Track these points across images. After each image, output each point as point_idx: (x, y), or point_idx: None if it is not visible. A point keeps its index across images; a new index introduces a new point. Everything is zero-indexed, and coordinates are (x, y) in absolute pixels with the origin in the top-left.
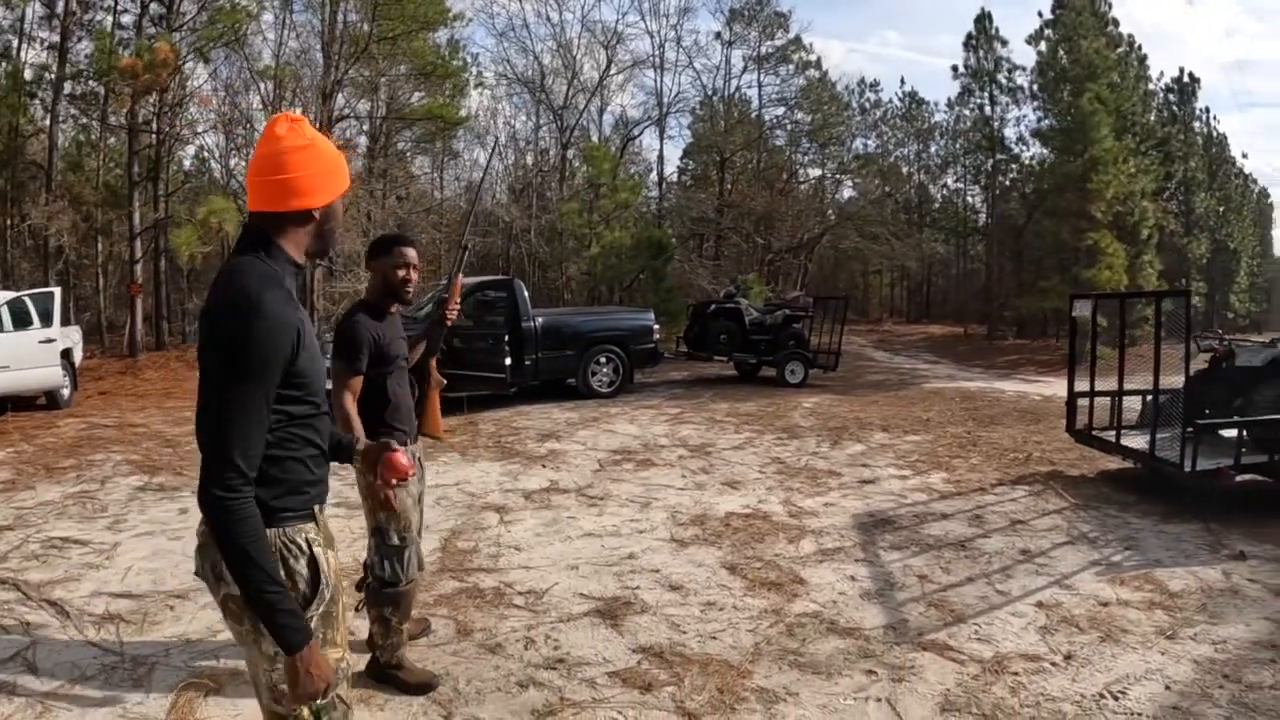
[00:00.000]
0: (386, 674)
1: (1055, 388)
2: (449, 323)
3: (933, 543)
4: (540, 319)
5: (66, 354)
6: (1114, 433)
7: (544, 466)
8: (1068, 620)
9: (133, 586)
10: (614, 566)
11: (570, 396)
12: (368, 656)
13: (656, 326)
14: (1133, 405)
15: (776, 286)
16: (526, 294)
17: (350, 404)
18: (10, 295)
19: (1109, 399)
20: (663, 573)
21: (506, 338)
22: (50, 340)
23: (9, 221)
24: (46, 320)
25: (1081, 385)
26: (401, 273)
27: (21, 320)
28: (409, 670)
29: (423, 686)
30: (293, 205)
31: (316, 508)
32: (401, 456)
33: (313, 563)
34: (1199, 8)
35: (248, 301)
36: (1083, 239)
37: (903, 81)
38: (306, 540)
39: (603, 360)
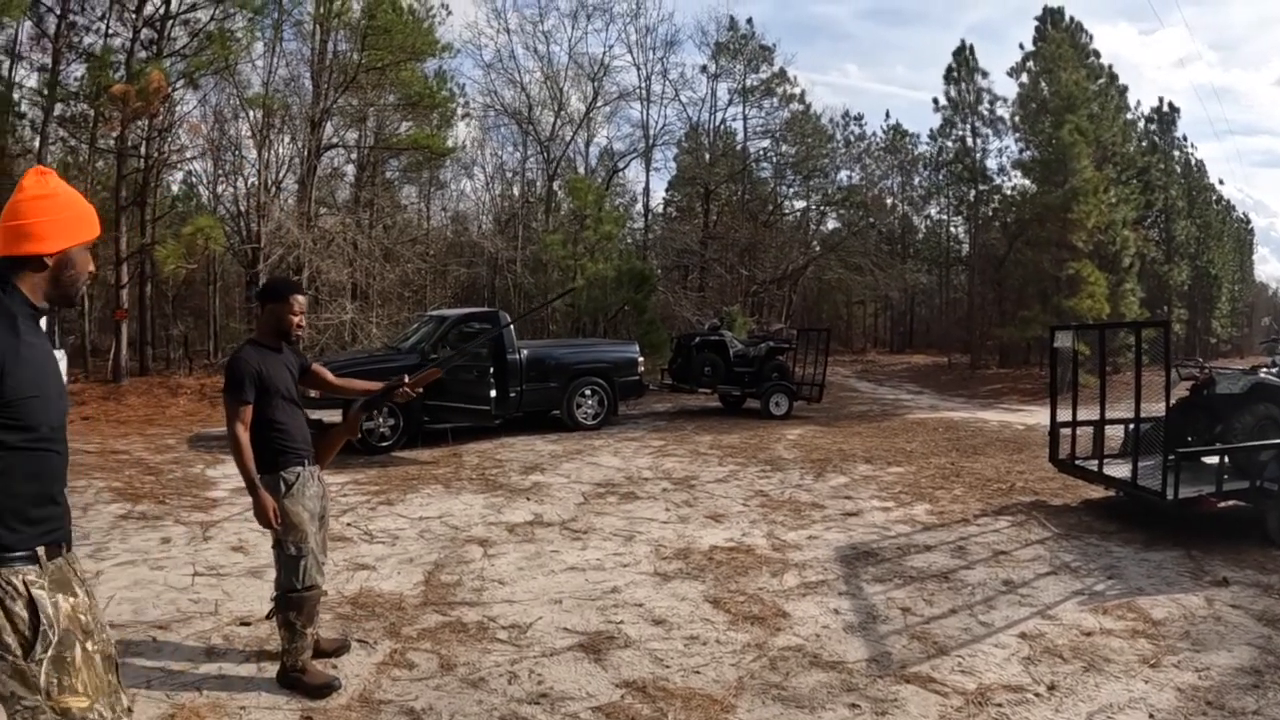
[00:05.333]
0: (290, 678)
1: (1038, 416)
2: (398, 398)
3: (916, 574)
4: (525, 351)
5: None
6: (1096, 462)
7: (528, 499)
8: (1051, 650)
9: (114, 616)
10: (597, 600)
11: (554, 428)
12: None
13: (641, 359)
14: (1115, 434)
15: (760, 318)
16: (512, 327)
17: (241, 432)
18: None
19: (1091, 428)
20: (646, 606)
21: (491, 370)
22: None
23: None
24: None
25: (1064, 415)
26: (295, 318)
27: None
28: (311, 674)
29: (324, 688)
30: (24, 249)
31: (42, 549)
32: None
33: (31, 605)
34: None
35: None
36: (1064, 268)
37: (888, 115)
38: (25, 582)
39: (588, 392)
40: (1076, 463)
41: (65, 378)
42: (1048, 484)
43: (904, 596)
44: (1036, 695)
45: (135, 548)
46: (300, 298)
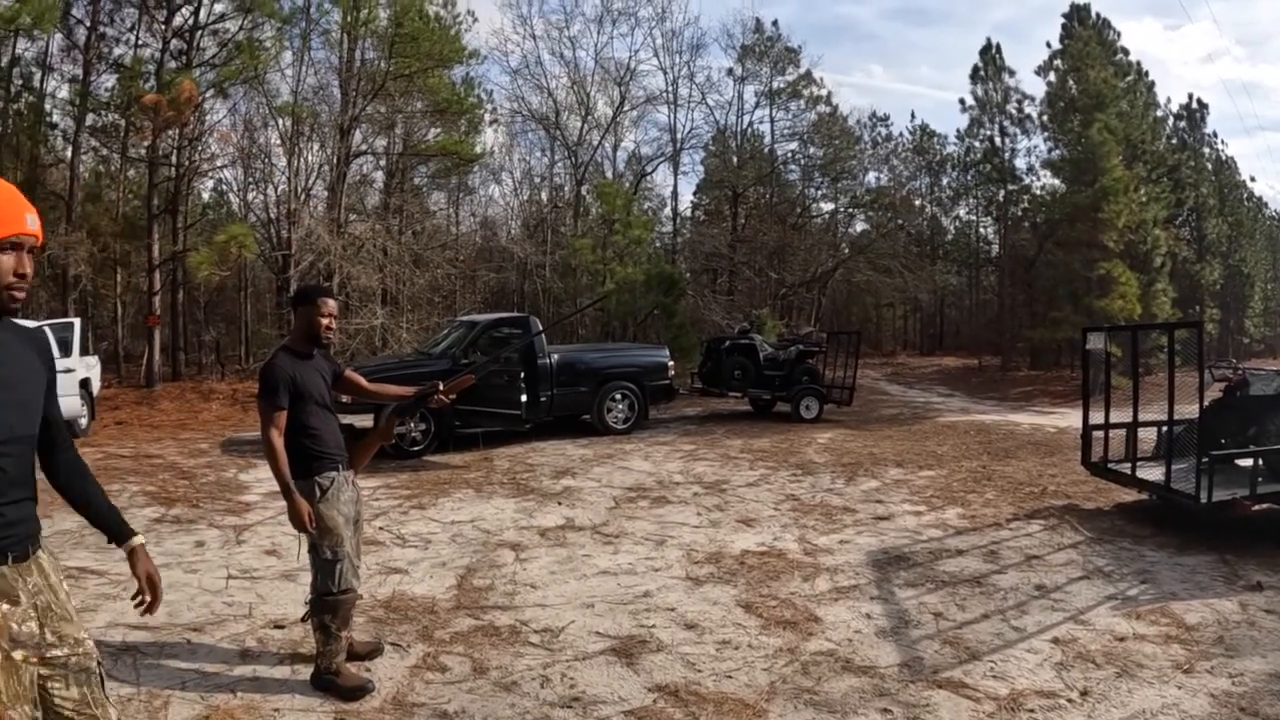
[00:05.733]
0: (324, 681)
1: (1069, 419)
2: (433, 404)
3: (948, 579)
4: (555, 355)
5: (85, 384)
6: (1129, 465)
7: (559, 504)
8: (1083, 656)
9: (149, 619)
10: (629, 605)
11: (585, 433)
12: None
13: (671, 363)
14: (1148, 436)
15: (790, 321)
16: (541, 331)
17: (276, 437)
18: (31, 324)
19: (1124, 431)
20: (678, 611)
21: (522, 374)
22: (69, 370)
23: None
24: (65, 350)
25: (1096, 417)
26: (324, 321)
27: None
28: (345, 677)
29: (358, 691)
30: None
31: None
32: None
33: None
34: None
35: None
36: (1095, 269)
37: (913, 115)
38: None
39: (618, 396)
40: (1109, 466)
41: (98, 384)
42: (1080, 487)
43: (936, 601)
44: (1069, 701)
45: (169, 551)
46: (330, 301)
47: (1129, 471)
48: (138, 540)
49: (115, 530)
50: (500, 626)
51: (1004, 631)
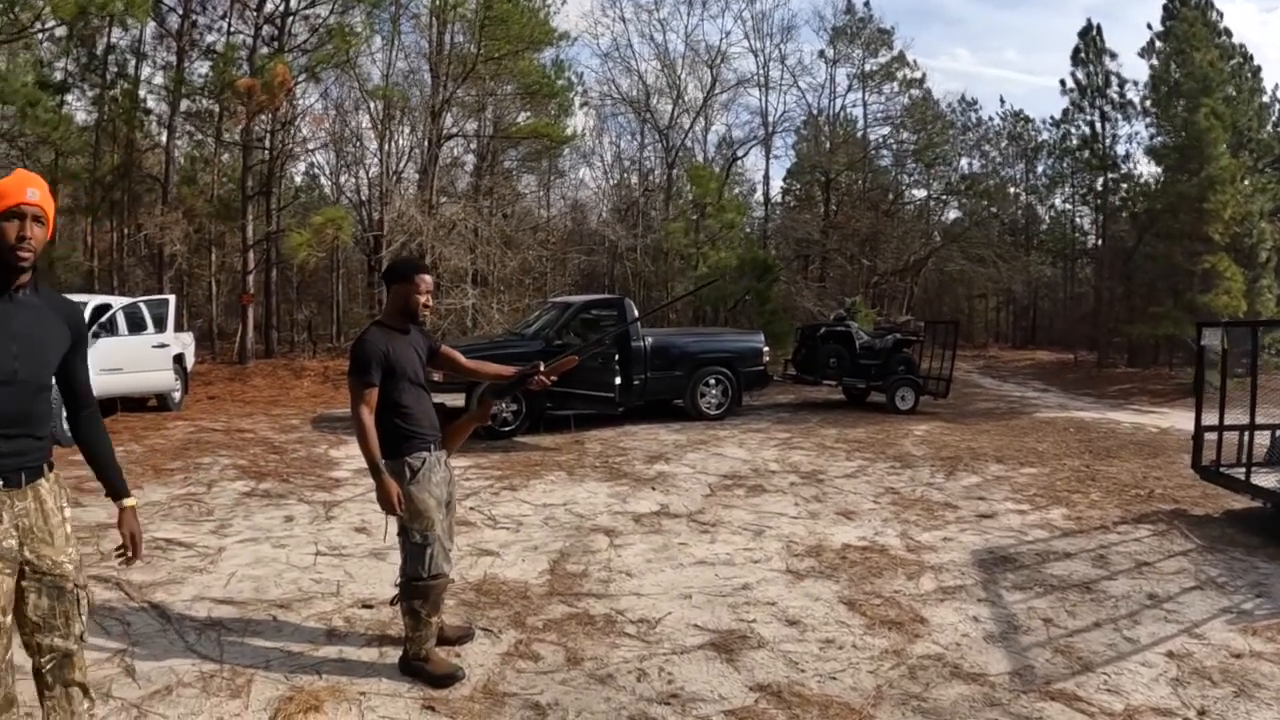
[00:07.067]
0: (413, 666)
1: (1171, 419)
2: (533, 386)
3: (1056, 583)
4: (650, 338)
5: (179, 359)
6: (1243, 470)
7: (653, 489)
8: (1199, 672)
9: (235, 593)
10: (728, 597)
11: (677, 418)
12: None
13: (766, 348)
14: (1262, 440)
15: (881, 310)
16: (636, 313)
17: (367, 416)
18: (126, 301)
19: (1237, 434)
20: (779, 606)
21: (616, 357)
22: (164, 345)
23: (125, 231)
24: (160, 326)
25: (1209, 419)
26: (422, 298)
27: (137, 325)
28: (435, 663)
29: (447, 678)
30: None
31: None
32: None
33: None
34: (1277, 16)
35: None
36: (1198, 262)
37: (1002, 101)
38: None
39: (712, 382)
40: (1222, 470)
41: (192, 359)
42: (1187, 491)
43: (1045, 606)
44: None
45: (258, 525)
46: (427, 277)
47: (1242, 477)
48: (129, 502)
49: (114, 487)
50: (595, 615)
51: (1116, 642)
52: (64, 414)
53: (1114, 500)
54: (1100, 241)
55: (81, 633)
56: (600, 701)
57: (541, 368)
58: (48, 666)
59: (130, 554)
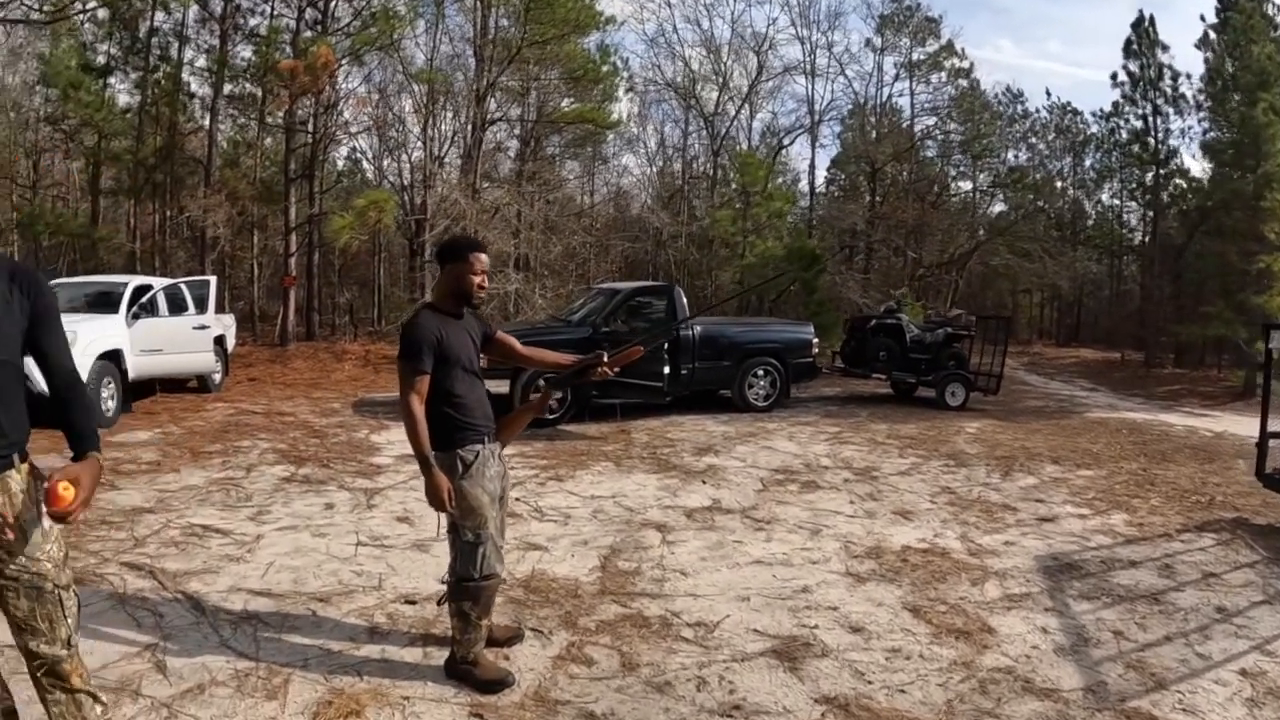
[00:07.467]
0: (460, 670)
1: (1223, 423)
2: (596, 377)
3: (1124, 593)
4: (698, 328)
5: (219, 340)
6: None
7: (704, 483)
8: (1274, 692)
9: (273, 585)
10: (788, 600)
11: (724, 408)
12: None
13: (816, 340)
14: None
15: (926, 303)
16: (685, 301)
17: (416, 405)
18: (167, 282)
19: None
20: (841, 611)
21: (665, 346)
22: (204, 327)
23: (168, 213)
24: (201, 307)
25: (1274, 425)
26: (476, 279)
27: (178, 306)
28: (483, 667)
29: (496, 684)
30: None
31: None
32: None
33: None
34: None
35: None
36: (1252, 261)
37: (1048, 93)
38: None
39: (760, 373)
40: None
41: (233, 341)
42: (1248, 499)
43: (1114, 618)
44: None
45: (297, 512)
46: (482, 256)
47: None
48: (95, 454)
49: (80, 443)
50: (650, 617)
51: (1188, 658)
52: (104, 393)
53: (1174, 506)
54: (1148, 238)
55: (69, 637)
56: (658, 711)
57: (605, 358)
58: (39, 673)
59: (71, 500)
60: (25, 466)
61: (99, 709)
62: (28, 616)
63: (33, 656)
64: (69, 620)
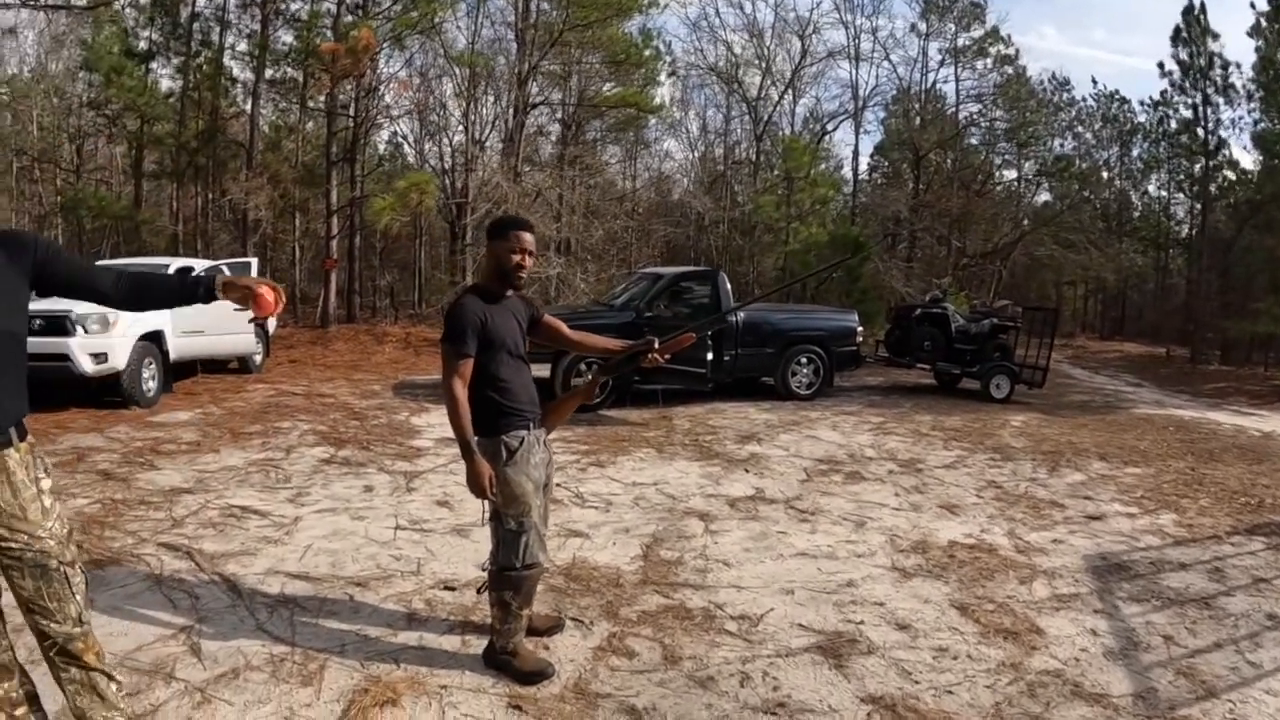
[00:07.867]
0: (499, 660)
1: (1272, 423)
2: (646, 364)
3: (1174, 597)
4: (741, 314)
5: (260, 321)
6: None
7: (746, 471)
8: None
9: (310, 568)
10: (833, 594)
11: (766, 396)
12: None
13: (860, 328)
14: None
15: (969, 293)
16: (729, 287)
17: (459, 389)
18: (209, 264)
19: None
20: (887, 607)
21: (710, 332)
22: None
23: (210, 195)
24: None
25: None
26: (516, 257)
27: None
28: (523, 658)
29: (536, 675)
30: None
31: None
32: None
33: None
34: None
35: None
36: None
37: (1094, 81)
38: None
39: (803, 361)
40: None
41: (274, 322)
42: None
43: (1164, 622)
44: None
45: (336, 495)
46: (525, 235)
47: None
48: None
49: (197, 286)
50: (692, 609)
51: (1239, 666)
52: (145, 374)
53: (1224, 508)
54: (1196, 231)
55: (79, 614)
56: (700, 707)
57: (656, 344)
58: (52, 653)
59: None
60: (25, 445)
61: (114, 687)
62: (34, 596)
63: (44, 637)
64: (77, 597)
